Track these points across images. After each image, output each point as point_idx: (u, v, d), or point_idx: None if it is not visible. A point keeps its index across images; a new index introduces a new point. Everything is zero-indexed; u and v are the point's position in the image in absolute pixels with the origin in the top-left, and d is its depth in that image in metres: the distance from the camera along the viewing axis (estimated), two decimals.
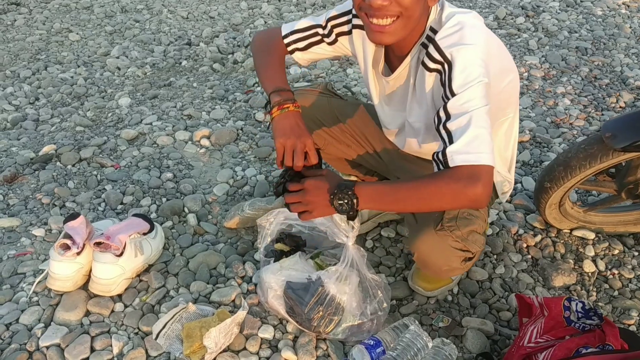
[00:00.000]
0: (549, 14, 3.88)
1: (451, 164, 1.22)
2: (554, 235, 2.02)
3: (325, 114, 1.79)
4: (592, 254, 1.95)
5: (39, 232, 2.04)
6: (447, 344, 1.51)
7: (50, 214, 2.15)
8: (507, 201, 2.17)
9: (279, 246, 1.76)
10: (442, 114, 1.28)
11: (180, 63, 3.56)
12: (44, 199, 2.23)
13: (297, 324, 1.60)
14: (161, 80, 3.34)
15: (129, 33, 4.04)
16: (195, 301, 1.72)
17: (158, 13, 4.38)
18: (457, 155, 1.22)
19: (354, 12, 1.51)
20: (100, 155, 2.53)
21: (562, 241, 1.99)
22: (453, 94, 1.26)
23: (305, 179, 1.38)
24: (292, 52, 1.64)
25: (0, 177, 2.37)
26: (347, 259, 1.58)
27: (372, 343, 1.50)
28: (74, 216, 1.70)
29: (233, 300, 1.72)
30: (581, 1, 4.11)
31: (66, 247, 1.68)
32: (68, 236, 1.70)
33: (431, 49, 1.32)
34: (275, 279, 1.61)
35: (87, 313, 1.69)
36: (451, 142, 1.24)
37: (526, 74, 3.16)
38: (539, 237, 2.00)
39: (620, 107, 2.85)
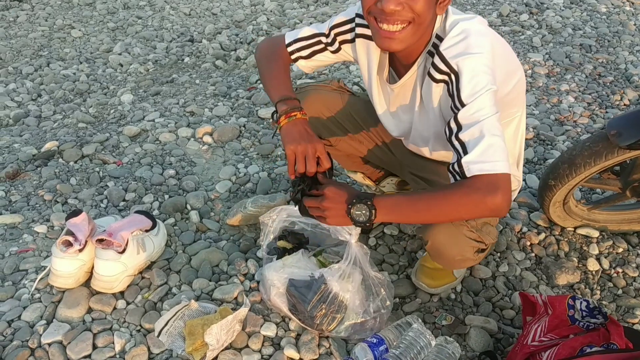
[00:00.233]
0: (552, 11, 3.86)
1: (468, 175, 1.23)
2: (557, 233, 2.01)
3: (338, 110, 1.79)
4: (596, 252, 1.94)
5: (41, 228, 2.03)
6: (450, 342, 1.51)
7: (52, 211, 2.14)
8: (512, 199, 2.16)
9: (281, 243, 1.75)
10: (453, 125, 1.28)
11: (183, 60, 3.56)
12: (46, 196, 2.23)
13: (300, 322, 1.60)
14: (163, 77, 3.34)
15: (132, 29, 4.03)
16: (197, 298, 1.71)
17: (160, 9, 4.37)
18: (473, 165, 1.22)
19: (357, 20, 1.51)
20: (103, 152, 2.53)
21: (566, 239, 1.98)
22: (463, 105, 1.26)
23: (325, 185, 1.39)
24: (295, 60, 1.64)
25: (3, 174, 2.36)
26: (350, 256, 1.57)
27: (375, 341, 1.50)
28: (76, 213, 1.69)
29: (235, 298, 1.72)
30: None
31: (68, 244, 1.68)
32: (70, 233, 1.69)
33: (436, 60, 1.32)
34: (277, 276, 1.61)
35: (89, 310, 1.69)
36: (465, 153, 1.24)
37: (530, 71, 3.15)
38: (542, 235, 1.99)
39: (625, 104, 2.83)
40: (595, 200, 2.11)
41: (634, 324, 1.68)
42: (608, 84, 3.02)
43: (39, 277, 1.75)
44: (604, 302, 1.76)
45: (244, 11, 4.25)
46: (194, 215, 2.09)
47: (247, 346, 1.57)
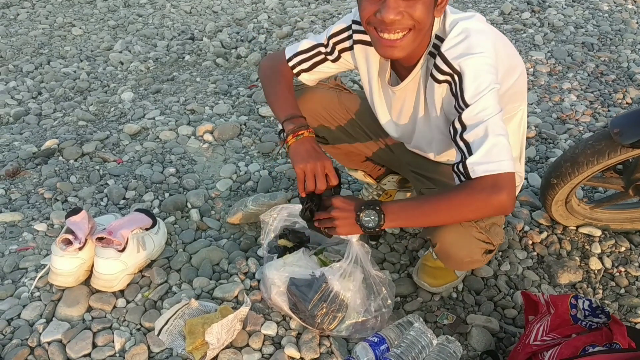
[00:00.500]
0: (554, 9, 3.85)
1: (473, 176, 1.24)
2: (559, 232, 2.00)
3: (335, 108, 1.78)
4: (599, 251, 1.93)
5: (41, 227, 2.03)
6: (452, 342, 1.50)
7: (52, 209, 2.14)
8: None
9: (282, 242, 1.75)
10: (457, 125, 1.29)
11: (184, 58, 3.55)
12: (46, 194, 2.22)
13: (301, 321, 1.59)
14: (164, 75, 3.33)
15: (132, 27, 4.02)
16: (197, 297, 1.71)
17: (161, 7, 4.37)
18: (478, 166, 1.24)
19: (353, 27, 1.50)
20: (103, 150, 2.52)
21: (568, 238, 1.97)
22: (467, 105, 1.26)
23: (332, 197, 1.42)
24: (298, 74, 1.64)
25: (3, 172, 2.36)
26: (351, 255, 1.56)
27: (376, 340, 1.49)
28: (76, 211, 1.68)
29: (236, 297, 1.71)
30: None
31: (68, 242, 1.67)
32: (70, 231, 1.69)
33: (438, 61, 1.31)
34: (278, 275, 1.60)
35: (89, 309, 1.68)
36: (470, 153, 1.25)
37: (532, 69, 3.14)
38: (544, 234, 1.98)
39: (627, 103, 2.82)
40: (598, 199, 2.10)
41: (636, 323, 1.67)
42: (610, 82, 3.01)
43: (39, 275, 1.74)
44: (606, 302, 1.76)
45: (245, 9, 4.24)
46: (194, 214, 2.09)
47: (247, 345, 1.56)
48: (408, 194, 2.06)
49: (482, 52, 1.27)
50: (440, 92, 1.36)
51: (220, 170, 2.37)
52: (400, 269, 1.86)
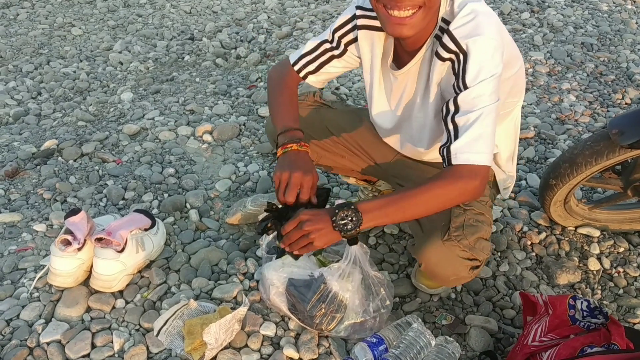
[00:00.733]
0: (554, 9, 3.85)
1: (454, 162, 1.27)
2: (558, 232, 2.00)
3: (316, 128, 1.77)
4: (597, 251, 1.93)
5: (40, 227, 2.03)
6: (450, 342, 1.50)
7: (51, 209, 2.14)
8: (511, 198, 2.15)
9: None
10: (451, 106, 1.29)
11: (183, 58, 3.55)
12: (45, 194, 2.22)
13: (299, 321, 1.59)
14: (164, 75, 3.33)
15: (132, 27, 4.02)
16: (196, 298, 1.71)
17: (161, 7, 4.37)
18: (461, 154, 1.26)
19: (357, 12, 1.49)
20: (102, 150, 2.52)
21: (566, 239, 1.98)
22: (466, 87, 1.27)
23: (298, 211, 1.33)
24: (305, 77, 1.63)
25: (2, 172, 2.36)
26: (350, 256, 1.56)
27: (374, 341, 1.49)
28: (75, 211, 1.68)
29: (235, 297, 1.71)
30: None
31: (67, 243, 1.67)
32: (69, 232, 1.69)
33: (445, 39, 1.30)
34: (277, 275, 1.60)
35: (88, 309, 1.68)
36: (456, 137, 1.27)
37: (531, 69, 3.14)
38: (543, 235, 1.99)
39: (626, 103, 2.82)
40: (597, 199, 2.10)
41: (635, 324, 1.68)
42: (609, 82, 3.01)
43: (38, 276, 1.74)
44: (604, 302, 1.76)
45: (245, 9, 4.24)
46: (193, 214, 2.09)
47: (246, 346, 1.57)
48: None
49: (490, 34, 1.27)
50: (442, 70, 1.35)
51: (219, 170, 2.38)
52: (399, 270, 1.86)
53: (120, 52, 3.60)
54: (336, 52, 1.58)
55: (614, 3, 3.96)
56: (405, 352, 1.44)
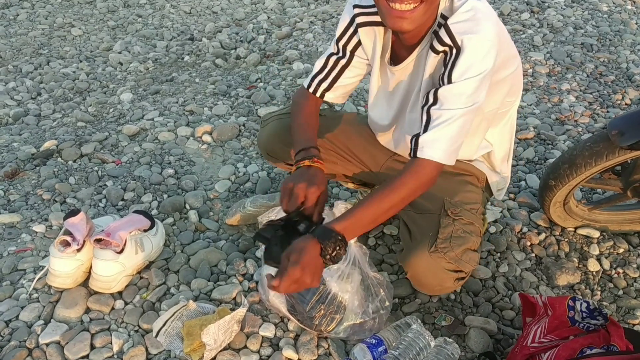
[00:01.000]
0: (554, 9, 3.85)
1: (419, 155, 1.33)
2: (558, 233, 2.00)
3: None
4: (597, 252, 1.93)
5: (39, 228, 2.03)
6: (450, 343, 1.50)
7: (50, 210, 2.14)
8: (511, 199, 2.15)
9: None
10: (431, 96, 1.32)
11: (183, 58, 3.55)
12: (44, 195, 2.22)
13: (299, 323, 1.59)
14: (163, 76, 3.33)
15: (132, 28, 4.02)
16: (196, 299, 1.71)
17: (161, 8, 4.37)
18: (426, 149, 1.32)
19: (355, 11, 1.49)
20: (102, 151, 2.52)
21: (566, 240, 1.97)
22: (450, 81, 1.28)
23: (279, 256, 1.31)
24: (322, 95, 1.64)
25: (1, 173, 2.36)
26: (349, 257, 1.56)
27: (374, 342, 1.49)
28: (74, 212, 1.68)
29: (234, 298, 1.71)
30: None
31: (66, 244, 1.67)
32: (68, 233, 1.69)
33: (442, 33, 1.31)
34: None
35: (87, 310, 1.68)
36: (426, 129, 1.32)
37: (531, 70, 3.14)
38: (543, 236, 1.98)
39: (626, 104, 2.82)
40: (596, 200, 2.10)
41: (634, 325, 1.67)
42: (609, 83, 3.01)
43: (37, 276, 1.74)
44: (604, 303, 1.76)
45: (245, 9, 4.24)
46: (192, 215, 2.09)
47: (245, 347, 1.56)
48: None
49: (487, 34, 1.27)
50: (434, 62, 1.37)
51: (218, 171, 2.37)
52: (399, 271, 1.86)
53: (120, 53, 3.60)
54: (344, 61, 1.58)
55: (613, 3, 3.95)
56: (405, 353, 1.44)
